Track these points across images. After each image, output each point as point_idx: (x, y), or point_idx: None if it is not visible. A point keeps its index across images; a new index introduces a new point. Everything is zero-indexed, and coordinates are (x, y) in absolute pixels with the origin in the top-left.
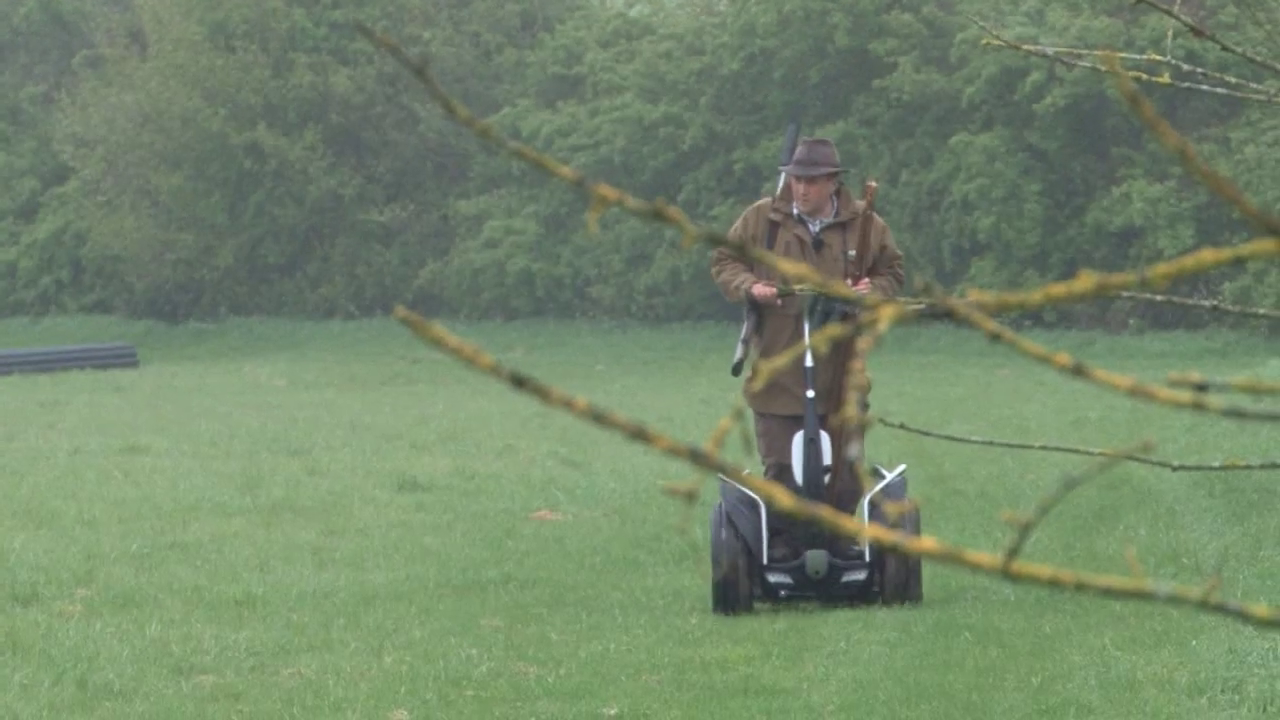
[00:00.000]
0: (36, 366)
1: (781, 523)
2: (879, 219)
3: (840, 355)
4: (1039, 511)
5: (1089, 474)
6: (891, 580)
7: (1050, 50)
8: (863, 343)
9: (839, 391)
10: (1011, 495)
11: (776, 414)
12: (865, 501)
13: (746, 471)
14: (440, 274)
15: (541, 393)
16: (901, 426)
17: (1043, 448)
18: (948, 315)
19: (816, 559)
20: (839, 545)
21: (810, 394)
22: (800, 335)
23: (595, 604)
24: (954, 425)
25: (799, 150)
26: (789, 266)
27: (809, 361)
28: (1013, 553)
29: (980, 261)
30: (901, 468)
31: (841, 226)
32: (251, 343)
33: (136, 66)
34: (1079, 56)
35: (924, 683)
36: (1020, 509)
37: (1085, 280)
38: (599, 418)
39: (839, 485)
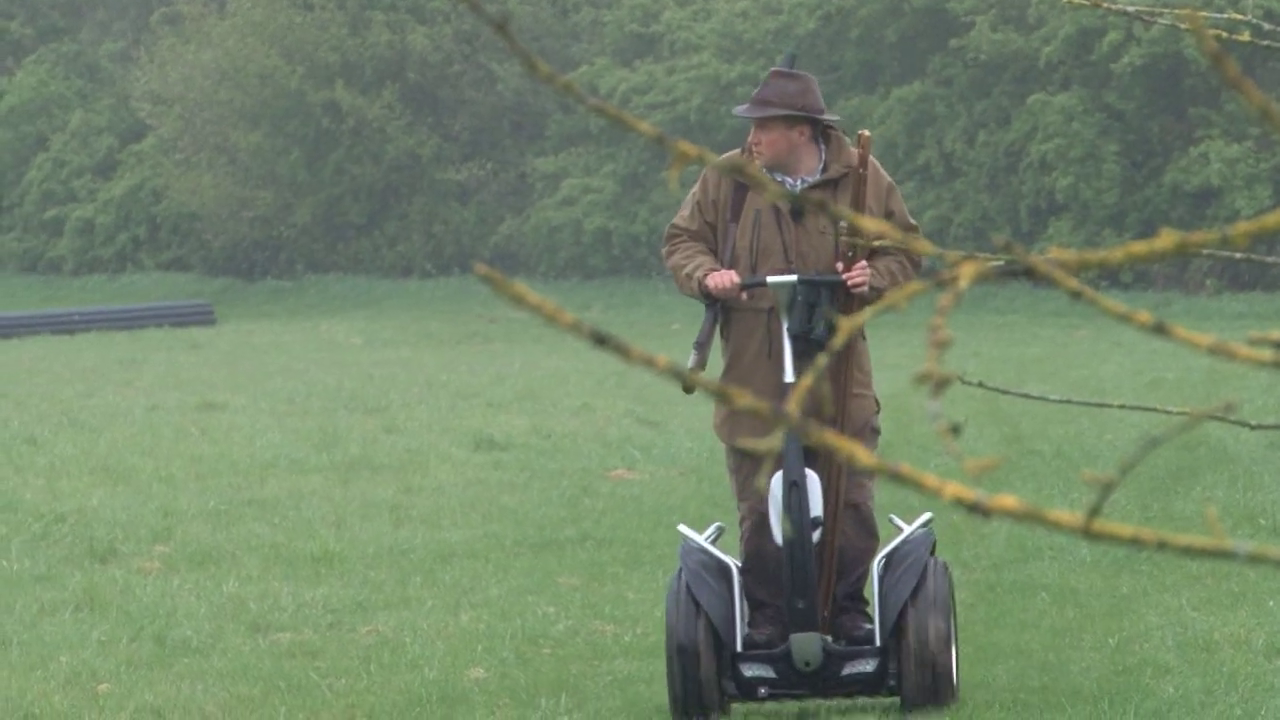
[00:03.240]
0: (114, 324)
1: (764, 593)
2: (883, 175)
3: (834, 362)
4: (1121, 471)
5: (1170, 434)
6: (912, 673)
7: (1130, 9)
8: (944, 300)
9: (837, 408)
10: (1088, 455)
11: (748, 447)
12: (877, 562)
13: (714, 527)
14: (517, 232)
15: (622, 351)
16: (979, 385)
17: (1121, 407)
18: (1027, 274)
19: (805, 645)
20: (842, 624)
21: None
22: (775, 338)
23: (672, 563)
24: (1031, 385)
25: (759, 86)
26: (871, 223)
27: (789, 374)
28: (1094, 512)
29: (1058, 222)
30: (927, 516)
31: (831, 187)
32: (328, 301)
33: (214, 24)
34: (1158, 15)
35: (1001, 643)
36: (1098, 469)
37: (1166, 238)
38: (680, 376)
39: (841, 541)
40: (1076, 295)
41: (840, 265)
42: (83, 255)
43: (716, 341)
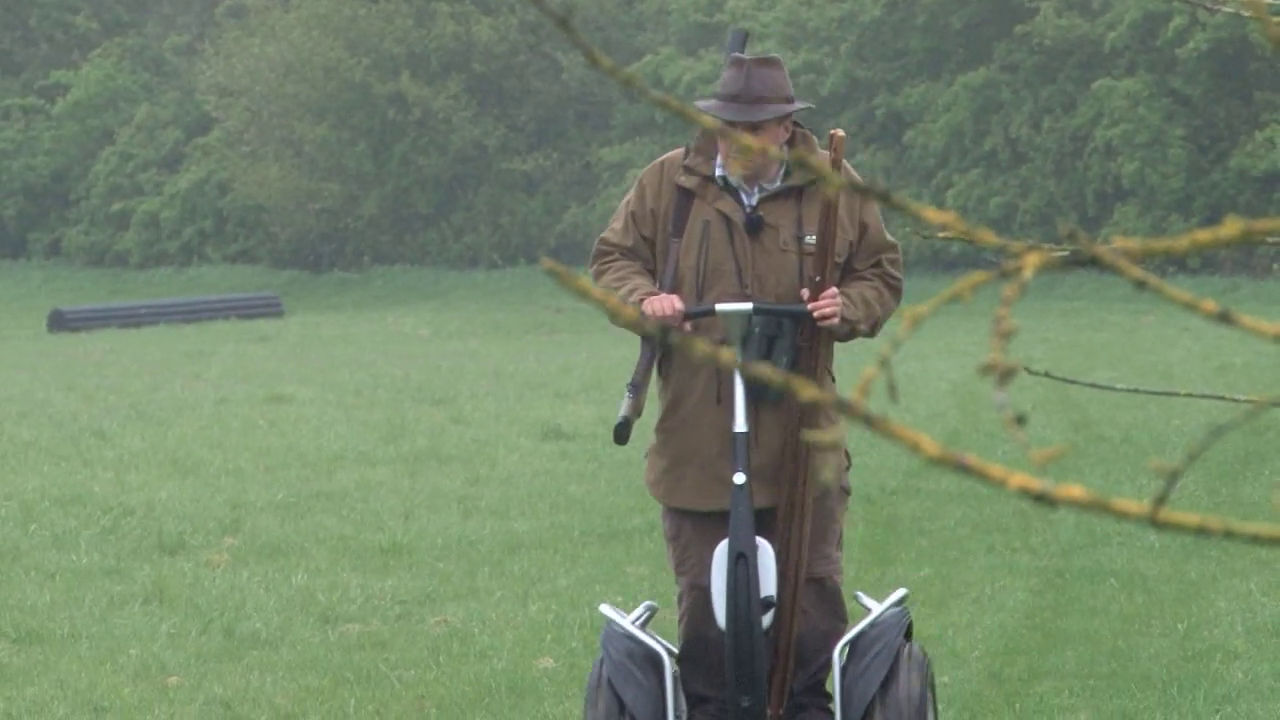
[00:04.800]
0: (182, 317)
1: (703, 686)
2: (858, 181)
3: (794, 407)
4: (1186, 459)
5: (1237, 421)
6: None
7: None
8: (1008, 290)
9: (797, 465)
10: (1157, 441)
11: (687, 509)
12: (839, 650)
13: (644, 607)
14: (583, 222)
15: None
16: (1046, 374)
17: (1188, 395)
18: (1092, 262)
19: None
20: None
21: (740, 478)
22: (725, 379)
23: None
24: (1098, 371)
25: (727, 75)
26: (935, 214)
27: (740, 424)
28: (1160, 501)
29: (1124, 207)
30: (901, 593)
31: (795, 196)
32: (395, 292)
33: (279, 17)
34: (1221, 2)
35: (1069, 629)
36: (1166, 455)
37: (1231, 226)
38: (744, 368)
39: (801, 624)
40: (1141, 285)
41: (805, 292)
42: (149, 248)
43: (654, 384)
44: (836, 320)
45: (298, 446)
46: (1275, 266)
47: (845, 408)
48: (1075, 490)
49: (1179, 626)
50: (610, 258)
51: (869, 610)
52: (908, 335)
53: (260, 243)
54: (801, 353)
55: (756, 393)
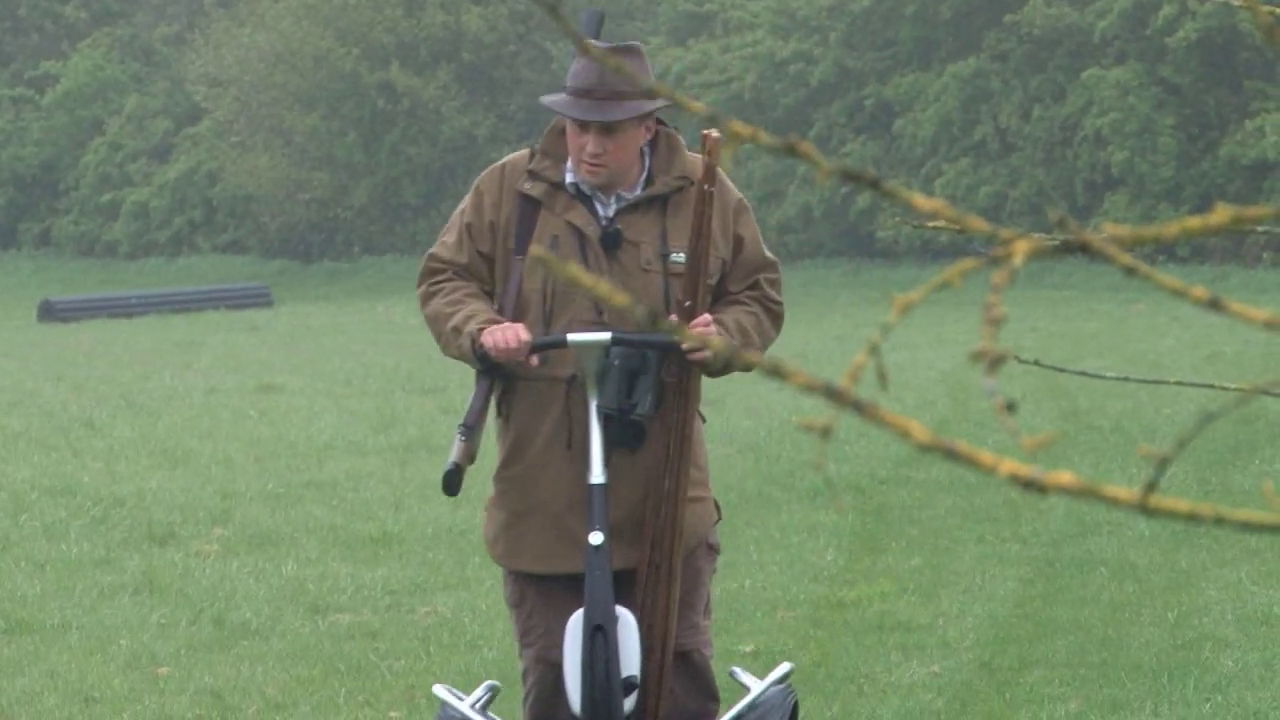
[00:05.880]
0: (171, 307)
1: None
2: (731, 190)
3: (663, 456)
4: (1176, 446)
5: (1226, 409)
6: None
7: None
8: (997, 277)
9: (660, 520)
10: (1147, 430)
11: (534, 572)
12: None
13: (484, 688)
14: None
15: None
16: (1036, 363)
17: (1178, 384)
18: (1082, 250)
19: None
20: None
21: (597, 538)
22: (577, 420)
23: (729, 541)
24: (1088, 360)
25: (578, 66)
26: (925, 202)
27: (596, 472)
28: (1150, 487)
29: (1114, 196)
30: (784, 669)
31: (659, 206)
32: (386, 282)
33: (269, 6)
34: None
35: (1059, 618)
36: (1156, 444)
37: (1221, 213)
38: (736, 353)
39: (668, 705)
40: (1131, 271)
41: (674, 318)
42: (139, 239)
43: (491, 425)
44: (709, 353)
45: (288, 436)
46: (1265, 255)
47: (835, 395)
48: (1065, 477)
49: (1169, 615)
50: (441, 277)
51: (748, 689)
52: (897, 322)
53: (250, 233)
54: (668, 390)
55: (614, 434)
